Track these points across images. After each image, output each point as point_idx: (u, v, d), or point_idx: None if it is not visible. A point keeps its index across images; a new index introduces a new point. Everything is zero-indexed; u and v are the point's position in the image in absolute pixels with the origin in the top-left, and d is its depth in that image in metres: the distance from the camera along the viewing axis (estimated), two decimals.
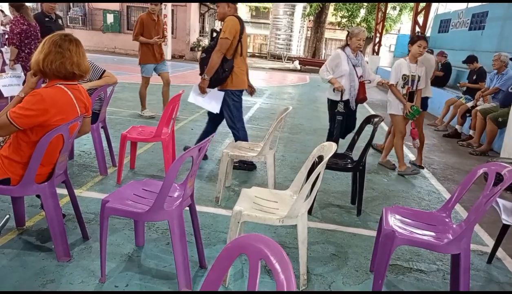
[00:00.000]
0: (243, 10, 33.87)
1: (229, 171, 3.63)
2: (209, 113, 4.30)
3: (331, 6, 25.58)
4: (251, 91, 4.54)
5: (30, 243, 2.55)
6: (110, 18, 20.05)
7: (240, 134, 4.14)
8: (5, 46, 6.19)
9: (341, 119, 4.15)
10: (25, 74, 5.04)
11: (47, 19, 5.37)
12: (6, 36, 12.67)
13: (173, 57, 19.54)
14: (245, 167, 4.29)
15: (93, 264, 2.38)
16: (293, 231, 2.94)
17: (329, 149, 2.34)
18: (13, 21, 5.44)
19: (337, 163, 3.42)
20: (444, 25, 13.02)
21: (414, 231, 2.22)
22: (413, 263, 2.74)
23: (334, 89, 4.09)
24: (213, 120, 4.37)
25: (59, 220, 2.36)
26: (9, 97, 3.97)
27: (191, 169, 2.15)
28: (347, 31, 4.31)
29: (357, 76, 4.13)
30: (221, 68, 3.89)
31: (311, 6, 24.50)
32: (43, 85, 2.29)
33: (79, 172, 3.80)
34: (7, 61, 5.64)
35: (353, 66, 4.11)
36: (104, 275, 2.23)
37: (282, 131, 6.22)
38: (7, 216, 1.12)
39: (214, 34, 4.08)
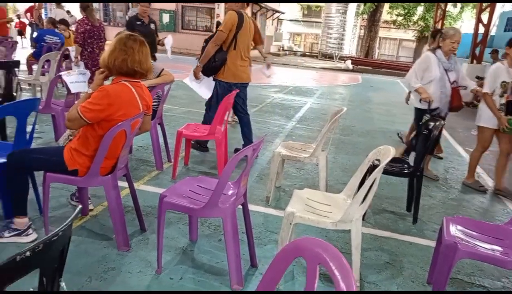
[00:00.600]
0: (294, 9, 33.66)
1: (279, 171, 3.63)
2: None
3: (386, 4, 24.76)
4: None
5: (92, 232, 2.70)
6: (166, 18, 20.79)
7: (206, 117, 4.44)
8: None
9: (426, 133, 3.70)
10: (91, 72, 5.38)
11: (138, 23, 5.36)
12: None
13: None
14: (198, 147, 4.53)
15: (150, 255, 2.48)
16: (344, 235, 2.88)
17: (386, 153, 2.26)
18: (78, 21, 5.83)
19: (393, 167, 3.30)
20: (511, 23, 12.13)
21: (478, 244, 2.09)
22: (475, 278, 2.58)
23: (420, 100, 3.86)
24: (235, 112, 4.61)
25: (120, 211, 2.48)
26: (75, 93, 4.24)
27: (245, 168, 2.17)
28: (440, 32, 4.03)
29: (449, 81, 3.83)
30: (213, 57, 4.11)
31: (365, 4, 23.87)
32: (106, 82, 2.42)
33: (137, 166, 3.97)
34: (73, 59, 6.04)
35: (445, 70, 3.81)
36: (161, 266, 2.31)
37: (333, 133, 6.12)
38: (80, 206, 1.19)
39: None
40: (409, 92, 5.41)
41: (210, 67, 4.17)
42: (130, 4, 21.07)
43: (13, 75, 4.32)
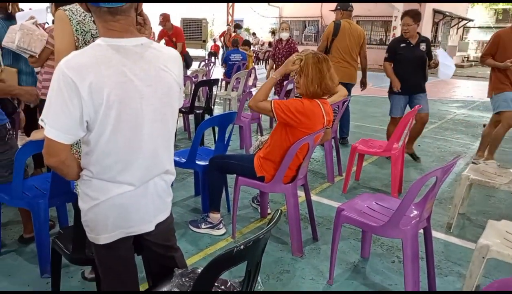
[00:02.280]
0: (485, 14, 29.60)
1: (465, 196, 3.24)
2: None
3: None
4: (363, 87, 5.36)
5: (270, 234, 2.93)
6: None
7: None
8: (253, 63, 7.38)
9: None
10: (279, 86, 5.86)
11: (402, 45, 4.45)
12: (255, 55, 15.00)
13: None
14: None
15: (321, 265, 2.55)
16: None
17: None
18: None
19: None
20: None
21: None
22: None
23: None
24: None
25: (297, 218, 2.64)
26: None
27: (433, 190, 2.02)
28: None
29: None
30: None
31: None
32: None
33: (309, 177, 4.14)
34: (258, 77, 6.71)
35: None
36: (332, 277, 2.35)
37: None
38: (280, 211, 1.32)
39: None
40: None
41: None
42: (307, 23, 22.19)
43: (211, 91, 5.09)
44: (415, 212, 2.15)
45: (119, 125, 1.22)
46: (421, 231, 2.23)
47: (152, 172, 1.36)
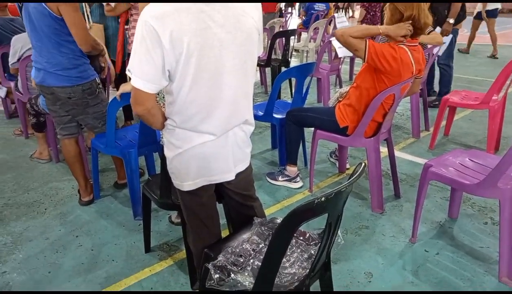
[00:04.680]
0: None
1: None
2: None
3: None
4: None
5: None
6: None
7: (447, 72, 4.63)
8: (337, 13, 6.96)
9: None
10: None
11: None
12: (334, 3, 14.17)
13: (501, 12, 16.62)
14: None
15: (403, 222, 2.44)
16: None
17: None
18: None
19: None
20: None
21: None
22: None
23: None
24: None
25: (378, 173, 2.52)
26: (341, 58, 4.47)
27: None
28: None
29: None
30: (461, 11, 4.46)
31: None
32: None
33: (393, 132, 3.90)
34: (338, 26, 6.33)
35: None
36: (416, 236, 2.25)
37: None
38: (364, 164, 1.25)
39: None
40: None
41: (458, 20, 4.51)
42: None
43: (288, 43, 4.94)
44: None
45: (199, 75, 1.22)
46: None
47: (232, 122, 1.36)
